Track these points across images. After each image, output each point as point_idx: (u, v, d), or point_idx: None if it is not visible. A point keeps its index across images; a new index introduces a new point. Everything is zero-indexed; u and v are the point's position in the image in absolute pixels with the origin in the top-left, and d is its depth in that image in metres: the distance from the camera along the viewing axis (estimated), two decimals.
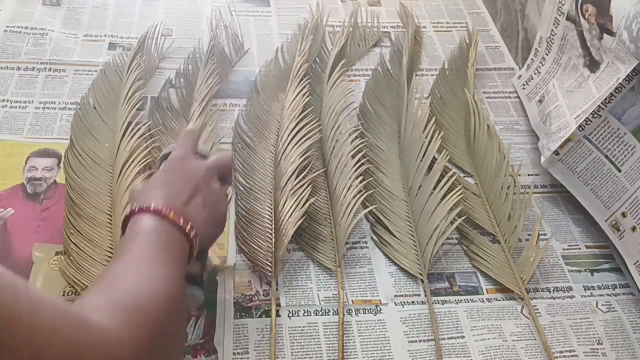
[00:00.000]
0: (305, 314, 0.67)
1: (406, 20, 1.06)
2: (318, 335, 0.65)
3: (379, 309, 0.68)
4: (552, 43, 0.86)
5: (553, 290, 0.72)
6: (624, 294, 0.72)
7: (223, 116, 0.87)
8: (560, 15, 0.83)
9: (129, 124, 0.78)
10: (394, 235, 0.74)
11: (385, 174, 0.80)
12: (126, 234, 0.50)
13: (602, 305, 0.71)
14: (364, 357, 0.64)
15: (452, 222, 0.72)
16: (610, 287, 0.73)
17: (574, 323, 0.68)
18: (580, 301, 0.71)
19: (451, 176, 0.75)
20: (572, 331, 0.68)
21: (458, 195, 0.73)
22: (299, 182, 0.73)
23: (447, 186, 0.74)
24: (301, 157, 0.75)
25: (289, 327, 0.65)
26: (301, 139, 0.77)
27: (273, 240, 0.70)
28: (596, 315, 0.69)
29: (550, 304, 0.70)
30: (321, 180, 0.78)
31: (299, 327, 0.65)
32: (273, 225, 0.71)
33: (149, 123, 0.81)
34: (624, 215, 0.71)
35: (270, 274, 0.68)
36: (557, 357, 0.65)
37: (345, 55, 0.97)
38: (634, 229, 0.70)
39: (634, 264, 0.70)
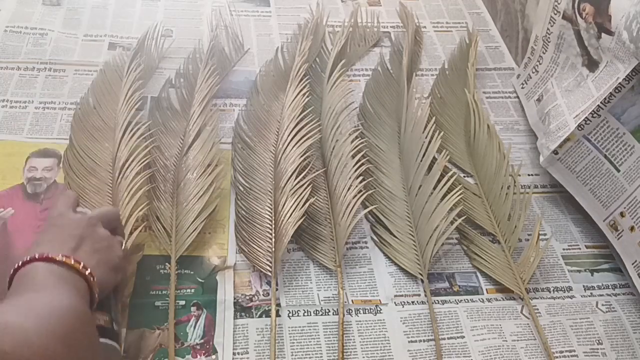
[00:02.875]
0: (305, 314, 0.67)
1: (406, 20, 1.06)
2: (318, 335, 0.65)
3: (379, 309, 0.68)
4: (549, 42, 0.86)
5: (553, 290, 0.72)
6: (624, 294, 0.72)
7: (223, 116, 0.87)
8: (556, 14, 0.83)
9: (129, 123, 0.78)
10: (394, 235, 0.74)
11: (385, 174, 0.80)
12: (11, 288, 0.47)
13: (602, 305, 0.71)
14: (364, 357, 0.64)
15: (452, 222, 0.72)
16: (610, 287, 0.73)
17: (574, 323, 0.69)
18: (580, 301, 0.71)
19: (451, 176, 0.75)
20: (572, 331, 0.68)
21: (458, 195, 0.73)
22: (299, 182, 0.73)
23: (447, 186, 0.74)
24: (301, 157, 0.75)
25: (289, 327, 0.65)
26: (301, 139, 0.77)
27: (273, 240, 0.70)
28: (596, 315, 0.69)
29: (550, 304, 0.70)
30: (321, 180, 0.78)
31: (299, 327, 0.65)
32: (273, 225, 0.71)
33: (148, 123, 0.81)
34: (622, 215, 0.71)
35: (270, 274, 0.68)
36: (557, 357, 0.65)
37: (345, 55, 0.97)
38: (632, 229, 0.70)
39: (632, 264, 0.70)
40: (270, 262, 0.69)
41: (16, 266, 0.48)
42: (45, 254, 0.48)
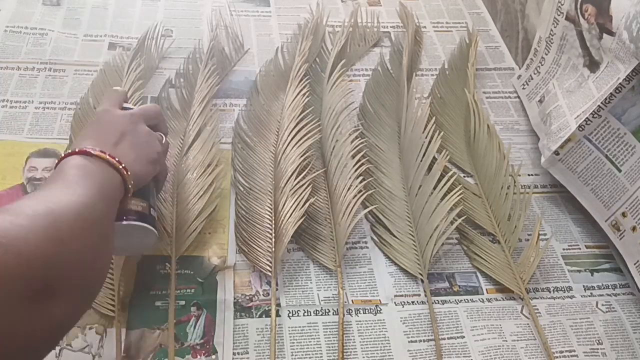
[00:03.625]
0: (305, 314, 0.67)
1: (406, 20, 1.06)
2: (318, 335, 0.65)
3: (379, 309, 0.68)
4: (552, 43, 0.86)
5: (553, 290, 0.72)
6: (624, 294, 0.72)
7: (223, 116, 0.87)
8: (559, 15, 0.83)
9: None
10: (394, 235, 0.74)
11: (385, 174, 0.80)
12: (47, 178, 0.52)
13: (602, 305, 0.71)
14: (364, 357, 0.64)
15: (452, 222, 0.72)
16: (610, 287, 0.73)
17: (574, 323, 0.68)
18: (580, 301, 0.71)
19: (451, 176, 0.75)
20: (572, 331, 0.68)
21: (458, 195, 0.73)
22: (298, 182, 0.73)
23: (447, 186, 0.74)
24: (301, 157, 0.75)
25: (289, 327, 0.65)
26: (301, 139, 0.77)
27: (273, 240, 0.70)
28: (596, 315, 0.69)
29: (550, 304, 0.70)
30: (321, 180, 0.78)
31: (299, 327, 0.65)
32: (273, 225, 0.71)
33: None
34: (624, 215, 0.71)
35: (270, 274, 0.68)
36: (557, 357, 0.65)
37: (345, 55, 0.97)
38: (634, 229, 0.70)
39: (634, 264, 0.70)
40: (270, 262, 0.69)
41: (60, 156, 0.53)
42: (83, 148, 0.52)
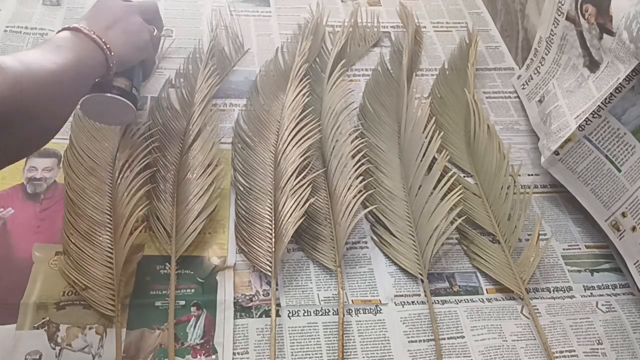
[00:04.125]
0: (305, 314, 0.67)
1: (406, 20, 1.06)
2: (318, 335, 0.65)
3: (379, 309, 0.68)
4: (552, 43, 0.86)
5: (553, 290, 0.72)
6: (624, 294, 0.72)
7: (223, 116, 0.87)
8: (559, 15, 0.83)
9: (129, 123, 0.78)
10: (394, 235, 0.74)
11: (385, 174, 0.80)
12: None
13: (602, 305, 0.71)
14: (364, 357, 0.64)
15: (452, 222, 0.72)
16: (610, 287, 0.73)
17: (574, 323, 0.68)
18: (580, 301, 0.71)
19: (451, 176, 0.75)
20: (572, 331, 0.68)
21: (458, 195, 0.73)
22: (298, 182, 0.73)
23: (447, 186, 0.74)
24: (301, 157, 0.75)
25: (289, 327, 0.65)
26: (301, 139, 0.77)
27: (273, 240, 0.70)
28: (596, 315, 0.69)
29: (550, 304, 0.70)
30: (321, 180, 0.78)
31: (299, 327, 0.65)
32: (273, 225, 0.71)
33: (148, 123, 0.81)
34: (624, 215, 0.71)
35: (270, 274, 0.68)
36: (557, 357, 0.65)
37: (345, 55, 0.97)
38: (634, 229, 0.70)
39: (634, 264, 0.70)
40: (270, 262, 0.69)
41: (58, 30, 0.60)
42: (76, 26, 0.60)
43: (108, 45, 0.62)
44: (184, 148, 0.78)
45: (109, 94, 0.67)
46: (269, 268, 0.68)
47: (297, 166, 0.74)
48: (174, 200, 0.73)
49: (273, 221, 0.72)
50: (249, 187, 0.76)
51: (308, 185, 0.73)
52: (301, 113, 0.81)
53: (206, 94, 0.84)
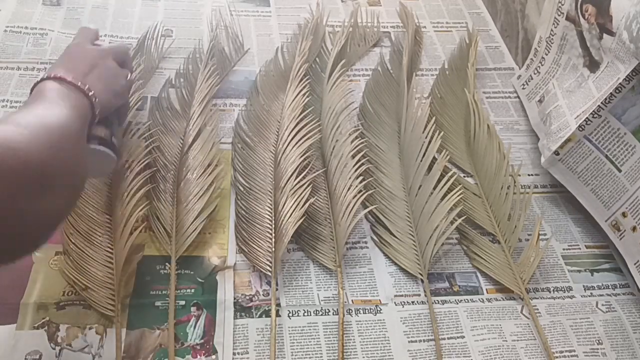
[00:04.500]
0: (305, 314, 0.67)
1: (406, 20, 1.06)
2: (318, 335, 0.65)
3: (379, 309, 0.68)
4: (552, 43, 0.86)
5: (553, 290, 0.72)
6: (624, 294, 0.72)
7: (223, 116, 0.87)
8: (559, 15, 0.83)
9: (129, 123, 0.78)
10: (394, 235, 0.74)
11: (385, 174, 0.80)
12: (27, 100, 0.56)
13: (602, 305, 0.71)
14: (364, 357, 0.64)
15: (452, 222, 0.72)
16: (610, 287, 0.73)
17: (574, 323, 0.68)
18: (580, 301, 0.71)
19: (451, 176, 0.75)
20: (572, 331, 0.68)
21: (458, 195, 0.73)
22: (299, 182, 0.73)
23: (447, 186, 0.74)
24: (301, 157, 0.75)
25: (289, 327, 0.65)
26: (301, 139, 0.77)
27: (273, 240, 0.70)
28: (596, 315, 0.69)
29: (550, 304, 0.70)
30: (321, 180, 0.78)
31: (299, 327, 0.65)
32: (273, 225, 0.71)
33: (148, 123, 0.81)
34: (624, 215, 0.71)
35: (270, 274, 0.68)
36: (557, 357, 0.65)
37: (345, 55, 0.97)
38: (634, 229, 0.70)
39: (634, 264, 0.70)
40: (270, 262, 0.69)
41: (35, 82, 0.58)
42: (58, 74, 0.58)
43: (92, 92, 0.60)
44: (183, 148, 0.78)
45: (91, 146, 0.63)
46: (269, 268, 0.68)
47: (297, 166, 0.74)
48: (174, 200, 0.73)
49: (273, 221, 0.72)
50: (249, 187, 0.76)
51: (308, 185, 0.73)
52: (301, 113, 0.81)
53: (206, 94, 0.84)
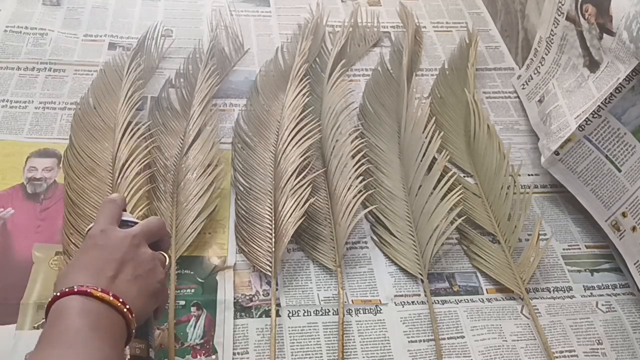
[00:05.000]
0: (305, 314, 0.67)
1: (406, 20, 1.06)
2: (318, 335, 0.65)
3: (379, 309, 0.68)
4: (552, 43, 0.86)
5: (553, 290, 0.72)
6: (624, 294, 0.72)
7: (223, 116, 0.87)
8: (559, 15, 0.83)
9: (129, 123, 0.78)
10: (394, 235, 0.74)
11: (385, 174, 0.80)
12: (48, 322, 0.46)
13: (602, 305, 0.70)
14: (364, 357, 0.64)
15: (452, 222, 0.72)
16: (610, 287, 0.73)
17: (574, 323, 0.68)
18: (580, 301, 0.71)
19: (451, 176, 0.75)
20: (572, 331, 0.68)
21: (458, 195, 0.73)
22: (298, 182, 0.73)
23: (447, 186, 0.74)
24: (301, 157, 0.75)
25: (289, 327, 0.65)
26: (301, 139, 0.77)
27: (273, 240, 0.70)
28: (596, 315, 0.69)
29: (550, 304, 0.70)
30: (321, 180, 0.78)
31: (299, 327, 0.65)
32: (273, 225, 0.71)
33: (148, 123, 0.81)
34: (624, 215, 0.71)
35: (270, 273, 0.68)
36: (557, 357, 0.65)
37: (345, 55, 0.97)
38: (634, 229, 0.70)
39: (634, 264, 0.70)
40: (270, 262, 0.69)
41: (54, 295, 0.47)
42: (82, 288, 0.46)
43: (128, 307, 0.47)
44: (183, 148, 0.78)
45: None
46: (269, 268, 0.68)
47: (297, 166, 0.74)
48: (174, 200, 0.73)
49: (273, 221, 0.72)
50: (249, 187, 0.76)
51: (308, 185, 0.73)
52: (301, 113, 0.81)
53: (206, 93, 0.84)
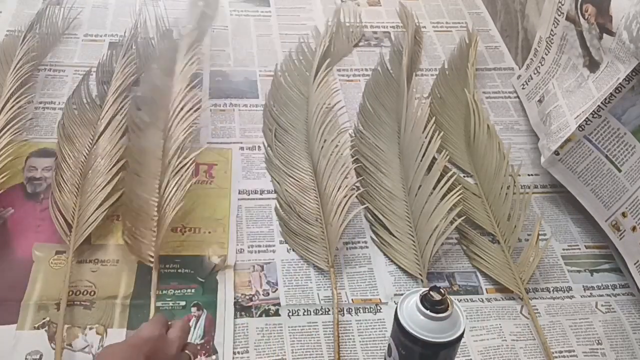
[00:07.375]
0: (305, 313, 0.67)
1: (406, 20, 1.06)
2: (318, 334, 0.65)
3: (378, 308, 0.68)
4: (552, 43, 0.86)
5: (553, 290, 0.72)
6: (623, 294, 0.72)
7: (223, 116, 0.87)
8: (559, 15, 0.83)
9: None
10: (394, 235, 0.74)
11: (385, 174, 0.80)
12: None
13: (602, 305, 0.70)
14: (363, 356, 0.64)
15: (451, 222, 0.72)
16: (610, 287, 0.73)
17: (573, 323, 0.68)
18: (579, 301, 0.71)
19: (451, 176, 0.75)
20: (572, 331, 0.68)
21: (458, 195, 0.73)
22: (180, 162, 0.70)
23: (447, 186, 0.74)
24: (185, 133, 0.72)
25: (289, 327, 0.65)
26: (187, 112, 0.74)
27: (156, 226, 0.68)
28: (596, 316, 0.69)
29: (549, 304, 0.70)
30: (310, 180, 0.78)
31: (299, 326, 0.65)
32: (157, 212, 0.69)
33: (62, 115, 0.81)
34: (624, 215, 0.71)
35: (151, 265, 0.66)
36: (556, 357, 0.65)
37: (329, 54, 0.97)
38: (634, 229, 0.70)
39: (634, 264, 0.70)
40: (153, 252, 0.67)
41: None
42: None
43: None
44: (94, 138, 0.76)
45: None
46: (150, 259, 0.66)
47: (181, 143, 0.71)
48: (79, 190, 0.71)
49: (157, 206, 0.69)
50: (137, 174, 0.73)
51: (190, 164, 0.69)
52: (187, 85, 0.77)
53: (121, 82, 0.82)
